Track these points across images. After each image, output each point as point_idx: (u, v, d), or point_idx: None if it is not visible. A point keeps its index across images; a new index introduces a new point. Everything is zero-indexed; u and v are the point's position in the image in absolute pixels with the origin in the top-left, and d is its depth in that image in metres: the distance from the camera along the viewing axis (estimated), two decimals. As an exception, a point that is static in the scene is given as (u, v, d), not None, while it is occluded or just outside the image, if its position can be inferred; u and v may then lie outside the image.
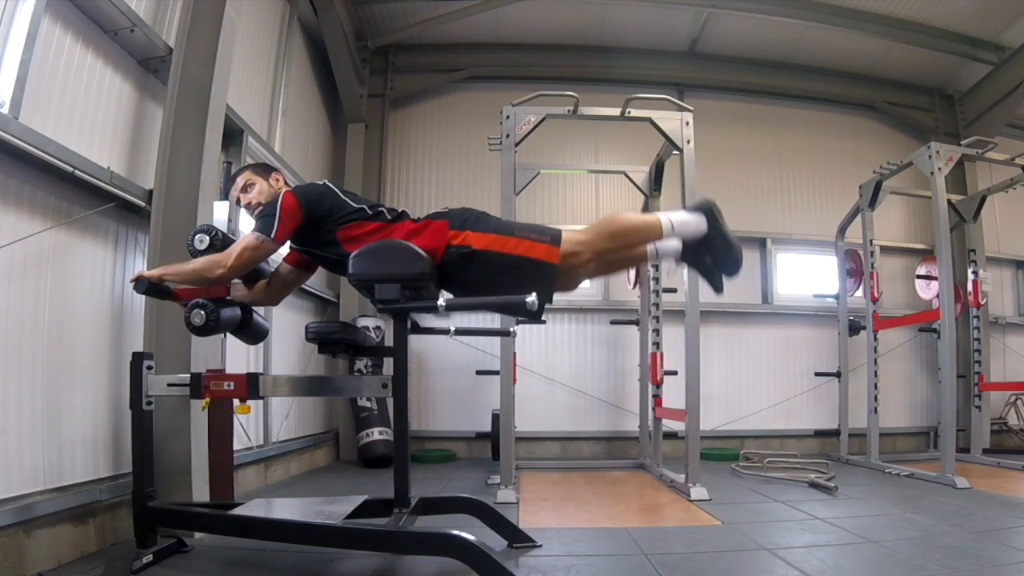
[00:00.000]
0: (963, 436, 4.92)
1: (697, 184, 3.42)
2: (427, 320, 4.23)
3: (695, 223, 1.95)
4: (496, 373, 3.57)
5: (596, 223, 2.02)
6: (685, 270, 3.41)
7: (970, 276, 4.84)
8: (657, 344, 4.16)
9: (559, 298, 5.70)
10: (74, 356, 2.14)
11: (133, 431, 1.98)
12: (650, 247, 1.98)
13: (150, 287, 1.94)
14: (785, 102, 5.85)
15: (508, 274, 1.91)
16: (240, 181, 2.19)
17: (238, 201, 2.20)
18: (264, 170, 2.23)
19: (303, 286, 3.95)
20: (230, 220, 2.65)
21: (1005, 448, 5.20)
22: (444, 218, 1.99)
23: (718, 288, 2.01)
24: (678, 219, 1.96)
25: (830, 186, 5.68)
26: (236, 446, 3.04)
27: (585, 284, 5.35)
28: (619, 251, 1.99)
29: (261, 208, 2.08)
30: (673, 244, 1.97)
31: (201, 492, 2.36)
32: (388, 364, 1.96)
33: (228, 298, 2.09)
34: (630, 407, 4.98)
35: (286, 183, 2.23)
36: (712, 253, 1.96)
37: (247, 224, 2.15)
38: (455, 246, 1.92)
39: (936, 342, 4.40)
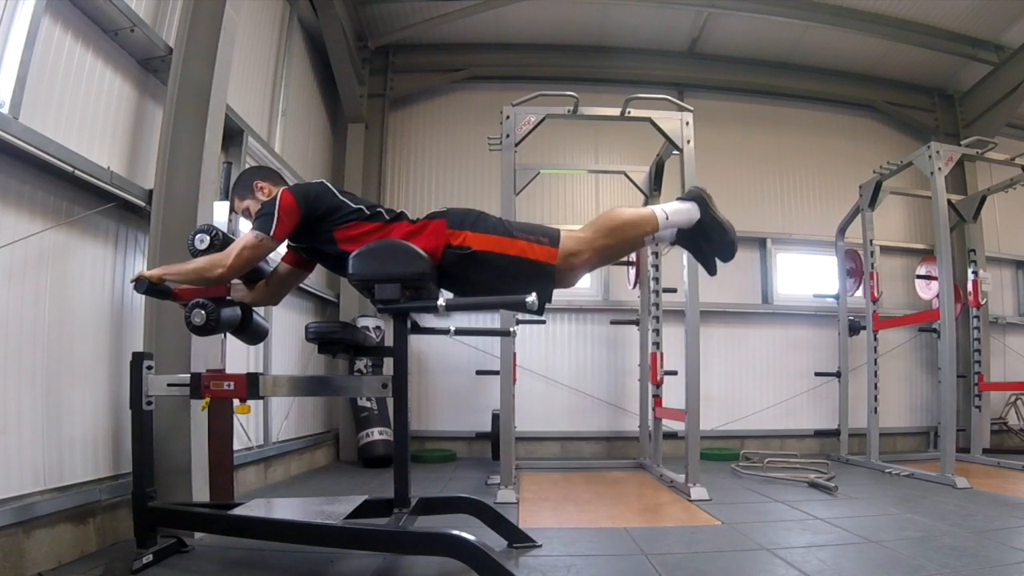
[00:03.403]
0: (963, 436, 4.92)
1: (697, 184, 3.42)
2: (427, 320, 4.23)
3: (687, 211, 2.00)
4: (496, 373, 3.57)
5: (595, 220, 2.05)
6: (684, 271, 3.41)
7: (970, 276, 4.84)
8: (657, 344, 4.16)
9: (559, 298, 5.71)
10: (74, 356, 2.14)
11: (133, 431, 1.98)
12: (647, 237, 2.03)
13: (150, 287, 1.95)
14: (785, 102, 5.85)
15: (507, 274, 1.92)
16: (239, 209, 2.24)
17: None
18: (245, 188, 2.22)
19: (303, 286, 3.96)
20: (230, 220, 2.65)
21: (1005, 448, 5.20)
22: (443, 218, 1.98)
23: (711, 271, 2.08)
24: (671, 209, 2.01)
25: (830, 186, 5.68)
26: (236, 446, 3.04)
27: (584, 283, 5.40)
28: (617, 245, 2.04)
29: (260, 207, 2.08)
30: (668, 233, 2.03)
31: (201, 492, 2.36)
32: (388, 364, 1.96)
33: (228, 298, 2.10)
34: (630, 407, 4.98)
35: (269, 182, 2.22)
36: (706, 238, 2.01)
37: (247, 224, 2.15)
38: (454, 246, 1.92)
39: (936, 342, 4.40)
